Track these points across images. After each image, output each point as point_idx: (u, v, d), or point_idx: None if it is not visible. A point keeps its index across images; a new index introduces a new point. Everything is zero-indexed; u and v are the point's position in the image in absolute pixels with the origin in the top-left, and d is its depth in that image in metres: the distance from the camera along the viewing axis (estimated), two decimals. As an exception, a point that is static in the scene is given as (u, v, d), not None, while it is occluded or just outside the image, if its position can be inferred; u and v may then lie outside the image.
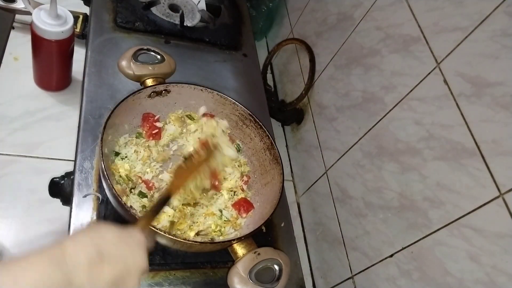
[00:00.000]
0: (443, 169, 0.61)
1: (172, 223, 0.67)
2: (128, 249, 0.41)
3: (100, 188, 0.66)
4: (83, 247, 0.38)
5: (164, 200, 0.54)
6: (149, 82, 0.72)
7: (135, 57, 0.72)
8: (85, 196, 0.64)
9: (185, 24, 0.96)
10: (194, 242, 0.59)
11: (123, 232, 0.43)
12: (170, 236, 0.55)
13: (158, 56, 0.75)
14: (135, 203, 0.65)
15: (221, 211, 0.72)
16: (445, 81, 0.62)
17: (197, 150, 0.64)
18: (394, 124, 0.73)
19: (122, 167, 0.68)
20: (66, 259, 0.36)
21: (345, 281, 0.84)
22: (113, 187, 0.56)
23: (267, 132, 0.75)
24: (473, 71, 0.57)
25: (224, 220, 0.71)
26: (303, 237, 1.03)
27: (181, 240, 0.57)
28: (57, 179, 0.70)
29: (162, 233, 0.55)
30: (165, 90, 0.73)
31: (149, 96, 0.72)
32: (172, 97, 0.75)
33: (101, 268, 0.38)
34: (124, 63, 0.72)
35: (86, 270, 0.37)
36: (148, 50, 0.75)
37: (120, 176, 0.67)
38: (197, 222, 0.69)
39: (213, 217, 0.70)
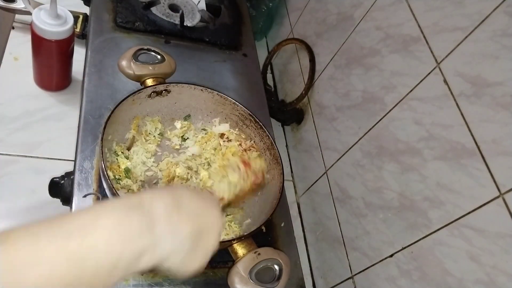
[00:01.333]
0: (443, 169, 0.61)
1: None
2: (204, 205, 0.40)
3: (100, 188, 0.66)
4: (160, 197, 0.36)
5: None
6: (149, 82, 0.72)
7: (135, 57, 0.72)
8: (85, 196, 0.64)
9: (185, 24, 0.96)
10: (194, 242, 0.59)
11: (199, 192, 0.42)
12: (170, 236, 0.55)
13: (158, 56, 0.75)
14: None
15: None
16: (445, 81, 0.62)
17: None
18: (394, 124, 0.73)
19: (124, 164, 0.68)
20: (145, 205, 0.34)
21: (345, 281, 0.84)
22: (113, 187, 0.56)
23: (267, 132, 0.75)
24: (473, 71, 0.57)
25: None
26: (303, 237, 1.03)
27: (181, 240, 0.57)
28: (57, 179, 0.70)
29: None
30: (165, 90, 0.73)
31: (149, 96, 0.72)
32: (172, 97, 0.75)
33: (180, 218, 0.36)
34: (124, 63, 0.72)
35: (165, 218, 0.35)
36: (148, 50, 0.75)
37: (120, 176, 0.67)
38: None
39: None
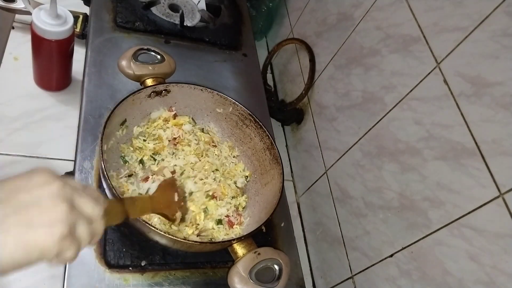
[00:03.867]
0: (443, 169, 0.61)
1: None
2: (23, 183, 0.34)
3: (100, 188, 0.66)
4: None
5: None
6: (149, 82, 0.72)
7: (135, 57, 0.72)
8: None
9: (185, 24, 0.96)
10: (194, 242, 0.59)
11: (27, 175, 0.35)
12: (170, 236, 0.56)
13: (158, 56, 0.75)
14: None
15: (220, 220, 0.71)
16: (445, 81, 0.62)
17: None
18: (394, 124, 0.73)
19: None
20: None
21: (345, 281, 0.84)
22: (113, 187, 0.56)
23: (267, 132, 0.75)
24: (473, 71, 0.57)
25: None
26: (303, 237, 1.03)
27: (181, 240, 0.57)
28: (57, 179, 0.70)
29: (162, 233, 0.55)
30: (165, 90, 0.73)
31: (149, 96, 0.72)
32: (172, 97, 0.75)
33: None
34: (124, 63, 0.72)
35: None
36: (148, 50, 0.75)
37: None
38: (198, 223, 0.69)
39: (213, 220, 0.70)
